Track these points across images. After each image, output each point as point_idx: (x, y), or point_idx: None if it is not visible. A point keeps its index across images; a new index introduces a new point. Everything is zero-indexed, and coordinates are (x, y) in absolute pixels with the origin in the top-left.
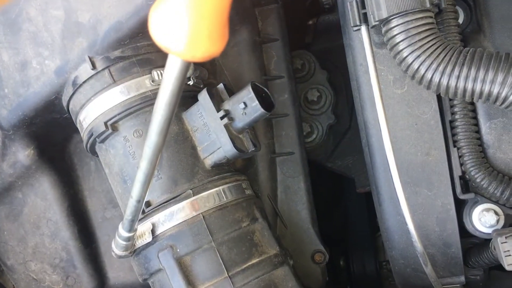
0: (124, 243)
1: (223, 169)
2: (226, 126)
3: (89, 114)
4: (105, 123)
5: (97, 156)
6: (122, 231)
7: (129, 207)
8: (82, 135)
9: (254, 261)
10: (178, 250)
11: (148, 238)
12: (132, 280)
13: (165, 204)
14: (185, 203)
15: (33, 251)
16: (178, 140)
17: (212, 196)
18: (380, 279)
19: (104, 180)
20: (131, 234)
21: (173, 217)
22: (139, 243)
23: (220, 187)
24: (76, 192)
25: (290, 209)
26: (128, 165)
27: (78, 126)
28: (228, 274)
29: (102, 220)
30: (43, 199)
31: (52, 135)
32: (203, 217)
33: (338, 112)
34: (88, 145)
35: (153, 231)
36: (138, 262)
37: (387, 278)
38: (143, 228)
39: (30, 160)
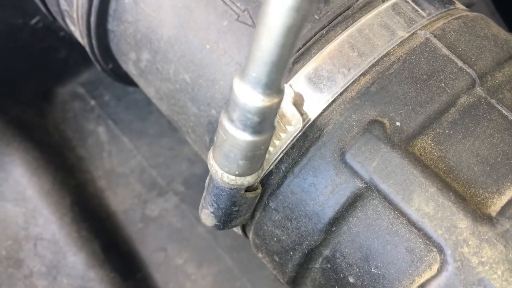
0: (251, 138)
1: None
2: None
3: None
4: None
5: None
6: (247, 95)
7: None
8: None
9: None
10: (397, 124)
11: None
12: None
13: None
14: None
15: None
16: None
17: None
18: None
19: (130, 151)
20: (273, 101)
21: (349, 61)
22: (284, 138)
23: None
24: (82, 182)
25: None
26: None
27: None
28: None
29: (143, 223)
30: (21, 200)
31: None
32: (434, 36)
33: None
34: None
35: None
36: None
37: None
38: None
39: None
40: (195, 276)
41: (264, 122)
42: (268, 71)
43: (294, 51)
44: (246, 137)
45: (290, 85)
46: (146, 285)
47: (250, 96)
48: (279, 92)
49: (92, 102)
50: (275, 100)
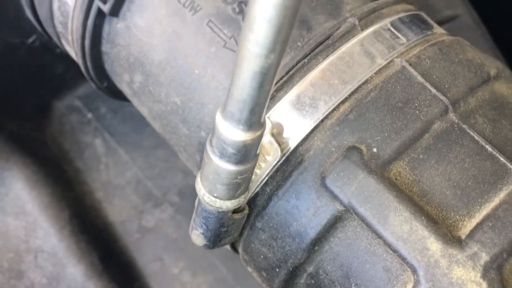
0: (233, 168)
1: None
2: None
3: None
4: None
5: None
6: (228, 130)
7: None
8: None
9: None
10: (374, 150)
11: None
12: None
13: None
14: (359, 41)
15: None
16: None
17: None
18: None
19: (126, 163)
20: (254, 135)
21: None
22: (264, 168)
23: (401, 14)
24: (80, 195)
25: None
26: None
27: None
28: None
29: (140, 233)
30: (21, 214)
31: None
32: (410, 64)
33: None
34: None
35: (277, 135)
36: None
37: None
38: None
39: None
40: (190, 285)
41: (246, 154)
42: (247, 109)
43: (272, 90)
44: (229, 166)
45: (268, 117)
46: None
47: (230, 131)
48: (260, 126)
49: (89, 115)
50: (256, 134)
